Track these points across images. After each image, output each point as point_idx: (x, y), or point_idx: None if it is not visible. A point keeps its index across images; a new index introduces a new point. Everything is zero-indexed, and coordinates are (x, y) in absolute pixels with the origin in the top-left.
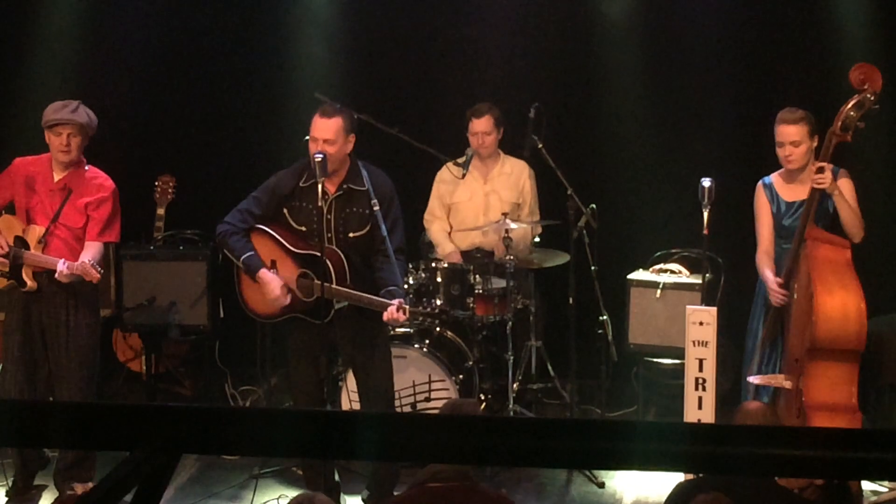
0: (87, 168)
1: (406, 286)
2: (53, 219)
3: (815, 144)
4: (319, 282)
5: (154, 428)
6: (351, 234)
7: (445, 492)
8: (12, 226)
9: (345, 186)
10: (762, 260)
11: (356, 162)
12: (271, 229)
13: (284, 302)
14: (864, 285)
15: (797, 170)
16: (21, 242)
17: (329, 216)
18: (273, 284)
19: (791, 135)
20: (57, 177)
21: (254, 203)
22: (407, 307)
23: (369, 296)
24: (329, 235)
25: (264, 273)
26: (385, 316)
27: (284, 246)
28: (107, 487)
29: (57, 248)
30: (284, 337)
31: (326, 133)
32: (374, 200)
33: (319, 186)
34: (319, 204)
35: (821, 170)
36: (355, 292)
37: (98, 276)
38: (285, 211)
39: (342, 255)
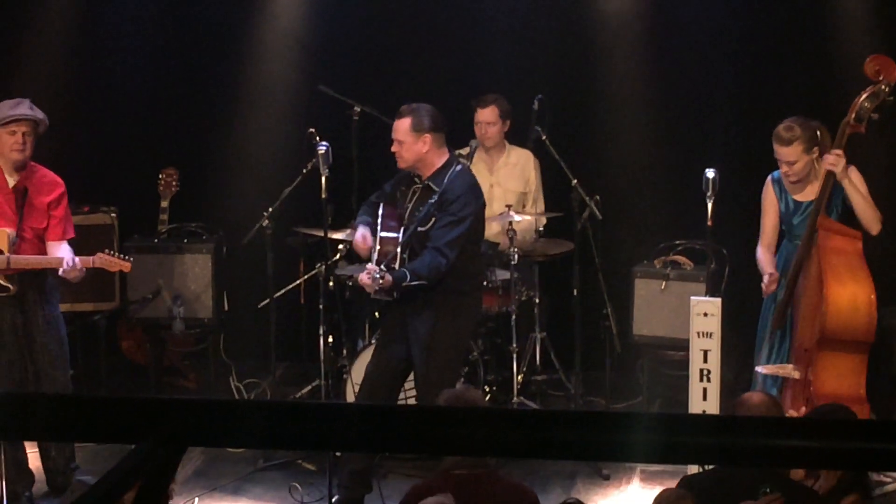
0: (35, 168)
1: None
2: (20, 221)
3: (816, 154)
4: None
5: (159, 421)
6: (420, 228)
7: (470, 479)
8: None
9: (426, 182)
10: (761, 253)
11: (450, 164)
12: (383, 206)
13: (364, 248)
14: (874, 276)
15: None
16: None
17: (409, 205)
18: (357, 234)
19: (786, 155)
20: (11, 180)
21: (388, 183)
22: (373, 271)
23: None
24: (406, 225)
25: (356, 227)
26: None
27: (378, 223)
28: (113, 479)
29: (27, 250)
30: (290, 329)
31: (395, 133)
32: (438, 201)
33: (323, 178)
34: (418, 194)
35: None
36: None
37: (129, 264)
38: (398, 194)
39: (406, 242)
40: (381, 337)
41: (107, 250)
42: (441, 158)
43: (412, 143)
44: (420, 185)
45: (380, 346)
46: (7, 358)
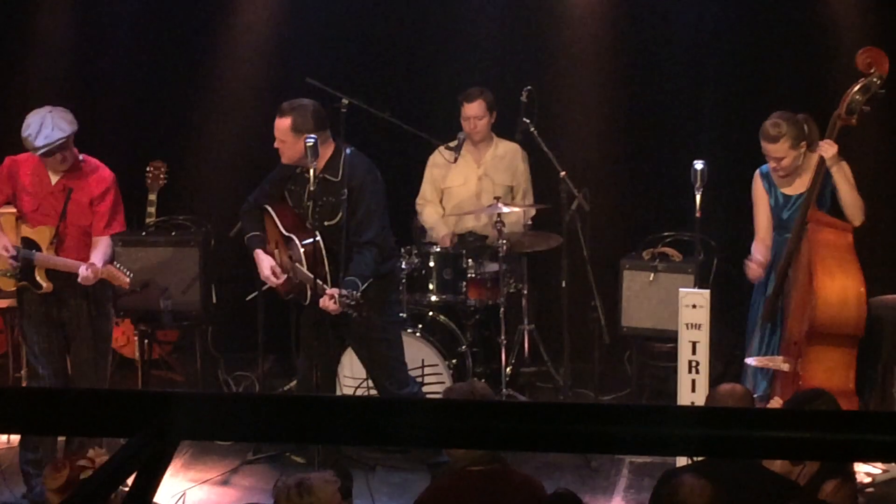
0: (82, 161)
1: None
2: (61, 218)
3: (804, 148)
4: (292, 265)
5: (152, 414)
6: (326, 223)
7: (485, 475)
8: (13, 225)
9: (320, 176)
10: (756, 248)
11: (339, 151)
12: (275, 210)
13: (275, 281)
14: (864, 268)
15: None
16: (29, 243)
17: (308, 202)
18: (263, 264)
19: (773, 152)
20: (55, 178)
21: (267, 182)
22: (336, 296)
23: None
24: (309, 222)
25: (257, 253)
26: (320, 303)
27: (279, 228)
28: (106, 473)
29: (69, 247)
30: (277, 322)
31: (276, 132)
32: (345, 190)
33: (312, 172)
34: (310, 193)
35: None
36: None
37: (128, 280)
38: (286, 194)
39: (319, 242)
40: (307, 336)
41: (116, 263)
42: (328, 150)
43: (294, 143)
44: (315, 180)
45: (309, 344)
46: (44, 346)
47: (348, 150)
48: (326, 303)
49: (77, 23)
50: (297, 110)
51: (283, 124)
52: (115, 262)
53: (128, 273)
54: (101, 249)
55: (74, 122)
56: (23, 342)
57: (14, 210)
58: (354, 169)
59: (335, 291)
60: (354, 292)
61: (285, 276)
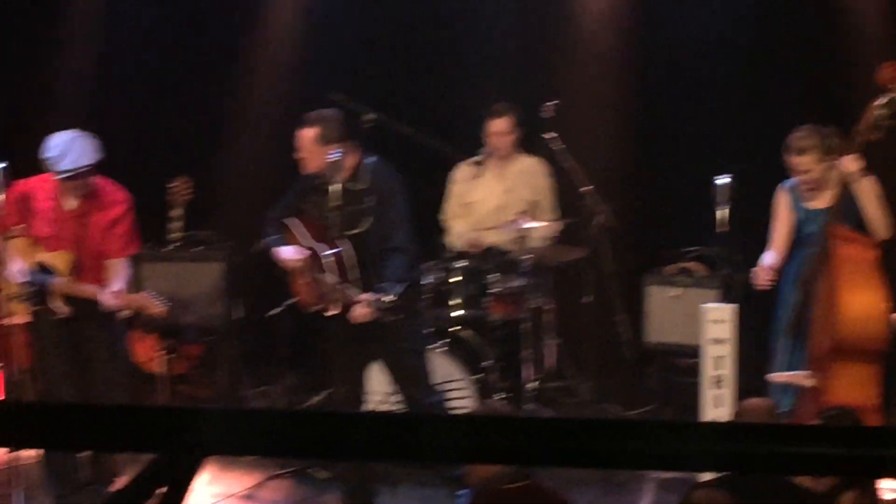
0: (97, 185)
1: (421, 284)
2: (79, 244)
3: (830, 162)
4: (319, 275)
5: (179, 430)
6: (353, 231)
7: (521, 492)
8: (27, 249)
9: (346, 185)
10: (766, 255)
11: (363, 160)
12: (298, 223)
13: (299, 261)
14: (891, 283)
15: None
16: (45, 268)
17: (331, 213)
18: (285, 252)
19: (799, 165)
20: (71, 204)
21: (287, 197)
22: (368, 302)
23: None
24: (334, 233)
25: (277, 249)
26: (353, 313)
27: (303, 239)
28: (134, 488)
29: (88, 272)
30: (301, 336)
31: (300, 142)
32: (371, 197)
33: (339, 185)
34: (335, 203)
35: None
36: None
37: (165, 310)
38: (307, 206)
39: (347, 251)
40: (332, 350)
41: (147, 291)
42: (352, 159)
43: (318, 153)
44: (340, 191)
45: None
46: (64, 369)
47: (372, 159)
48: (361, 310)
49: (101, 38)
50: (322, 121)
51: (308, 135)
52: (146, 291)
53: (162, 300)
54: (121, 274)
55: (100, 150)
56: (37, 366)
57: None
58: (380, 176)
59: (367, 297)
60: (388, 296)
61: (309, 251)
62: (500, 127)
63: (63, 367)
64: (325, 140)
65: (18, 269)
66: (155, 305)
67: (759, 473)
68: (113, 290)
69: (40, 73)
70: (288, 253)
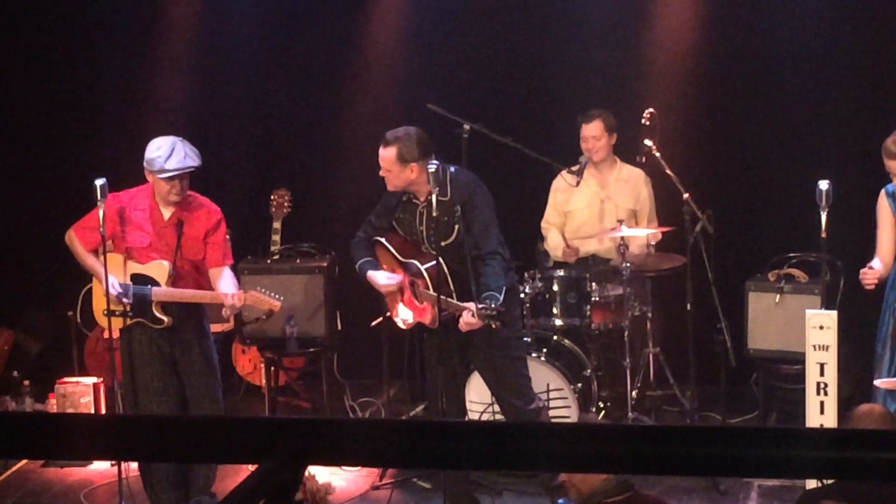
0: (189, 196)
1: (522, 294)
2: (176, 252)
3: None
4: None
5: (280, 440)
6: (442, 243)
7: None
8: (120, 265)
9: (429, 198)
10: (875, 261)
11: (444, 171)
12: (388, 241)
13: (396, 281)
14: None
15: None
16: (142, 279)
17: (421, 227)
18: (378, 279)
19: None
20: (167, 213)
21: (374, 214)
22: (474, 311)
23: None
24: (424, 246)
25: (371, 274)
26: (460, 323)
27: (395, 256)
28: (236, 498)
29: (185, 281)
30: (402, 347)
31: (382, 162)
32: (457, 207)
33: (434, 197)
34: (426, 214)
35: None
36: (444, 297)
37: (279, 304)
38: (394, 223)
39: (440, 264)
40: (432, 361)
41: (259, 288)
42: (438, 172)
43: (399, 172)
44: (424, 204)
45: (434, 369)
46: (159, 384)
47: (452, 169)
48: (468, 319)
49: (201, 49)
50: (400, 140)
51: (388, 154)
52: (259, 288)
53: (275, 296)
54: (229, 279)
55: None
56: (129, 382)
57: (118, 250)
58: (461, 184)
59: (472, 306)
60: (494, 303)
61: (402, 272)
62: (591, 131)
63: (157, 383)
64: (403, 159)
65: (114, 283)
66: (271, 301)
67: (870, 480)
68: (232, 293)
69: (141, 82)
70: (381, 279)
